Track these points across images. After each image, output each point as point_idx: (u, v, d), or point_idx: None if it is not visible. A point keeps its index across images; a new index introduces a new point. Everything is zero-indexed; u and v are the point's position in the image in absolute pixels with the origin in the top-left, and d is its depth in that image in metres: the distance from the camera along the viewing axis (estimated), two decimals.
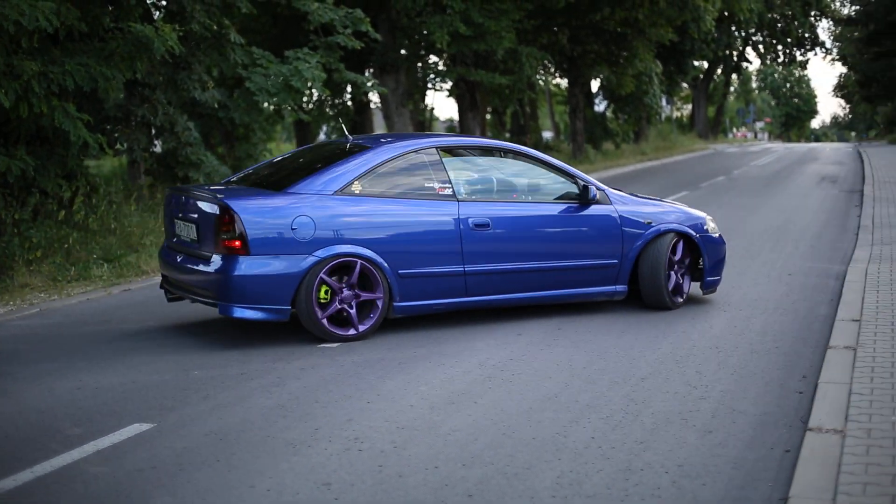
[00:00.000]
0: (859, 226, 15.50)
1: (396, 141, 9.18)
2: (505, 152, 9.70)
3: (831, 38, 78.94)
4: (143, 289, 11.53)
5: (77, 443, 5.89)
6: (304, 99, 23.35)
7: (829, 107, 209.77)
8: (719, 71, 75.23)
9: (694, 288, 10.25)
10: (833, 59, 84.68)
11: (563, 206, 9.39)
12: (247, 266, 8.01)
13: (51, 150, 13.39)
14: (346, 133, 10.37)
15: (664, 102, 57.73)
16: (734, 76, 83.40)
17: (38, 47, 12.15)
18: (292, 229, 8.15)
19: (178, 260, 8.75)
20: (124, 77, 13.39)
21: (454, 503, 4.92)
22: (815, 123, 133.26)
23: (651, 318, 9.26)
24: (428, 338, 8.51)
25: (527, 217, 9.22)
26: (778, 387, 6.93)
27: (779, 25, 69.34)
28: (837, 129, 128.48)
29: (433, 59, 34.74)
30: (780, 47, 72.75)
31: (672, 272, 9.71)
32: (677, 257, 9.75)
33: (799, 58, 73.86)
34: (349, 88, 28.91)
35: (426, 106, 46.10)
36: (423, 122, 42.93)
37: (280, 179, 8.87)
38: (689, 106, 79.35)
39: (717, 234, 10.19)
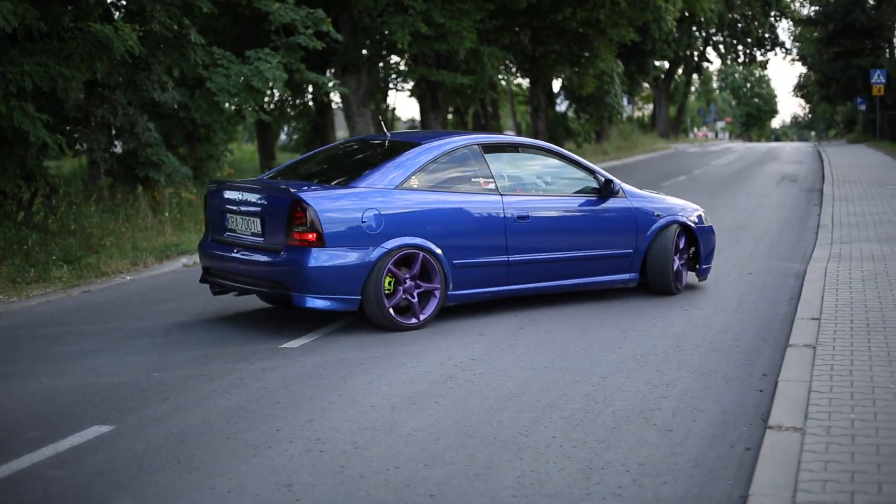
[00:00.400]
0: (819, 225, 15.60)
1: (440, 137, 9.59)
2: (535, 149, 10.22)
3: (791, 38, 79.74)
4: (104, 290, 11.42)
5: (36, 445, 5.83)
6: (266, 99, 23.25)
7: (790, 107, 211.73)
8: (680, 71, 75.79)
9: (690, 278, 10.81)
10: (793, 60, 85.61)
11: (586, 200, 9.96)
12: (323, 258, 8.31)
13: (10, 150, 13.27)
14: (385, 130, 10.53)
15: (625, 102, 58.10)
16: (695, 76, 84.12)
17: None
18: (362, 222, 8.48)
19: (234, 253, 8.92)
20: (84, 77, 13.31)
21: (416, 503, 4.92)
22: (776, 123, 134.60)
23: (613, 317, 9.30)
24: (389, 338, 8.49)
25: (559, 209, 9.79)
26: (738, 385, 6.97)
27: (739, 26, 69.90)
28: (797, 128, 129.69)
29: (395, 59, 34.75)
30: (740, 47, 73.34)
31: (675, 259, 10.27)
32: (680, 246, 10.37)
33: (759, 58, 74.47)
34: (310, 89, 28.77)
35: (388, 106, 46.06)
36: (385, 122, 42.80)
37: (335, 175, 9.26)
38: (651, 106, 79.89)
39: (708, 224, 10.87)
